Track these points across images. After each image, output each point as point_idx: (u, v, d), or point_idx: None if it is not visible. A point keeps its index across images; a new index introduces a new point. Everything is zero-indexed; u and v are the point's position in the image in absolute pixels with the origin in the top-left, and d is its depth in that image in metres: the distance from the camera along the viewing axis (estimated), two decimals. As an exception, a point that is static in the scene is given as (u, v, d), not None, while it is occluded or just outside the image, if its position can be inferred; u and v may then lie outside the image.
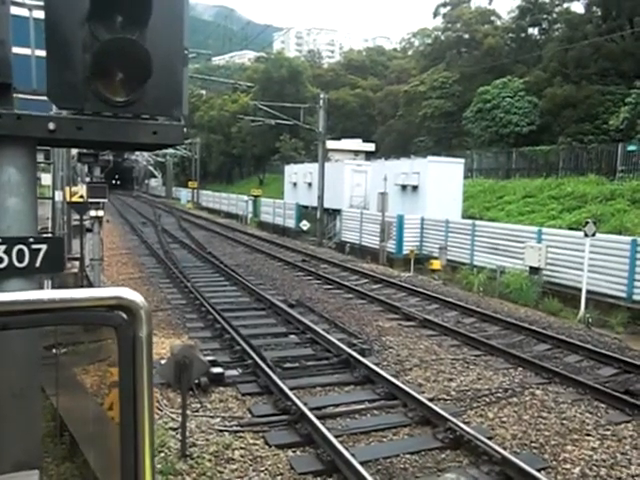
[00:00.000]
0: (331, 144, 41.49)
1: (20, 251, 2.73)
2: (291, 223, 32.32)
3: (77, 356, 8.39)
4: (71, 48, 2.63)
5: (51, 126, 2.67)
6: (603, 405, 7.86)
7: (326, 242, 28.09)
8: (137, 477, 1.39)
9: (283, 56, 68.28)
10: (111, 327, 1.39)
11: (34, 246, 2.76)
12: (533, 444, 6.68)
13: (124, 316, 1.38)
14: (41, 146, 3.14)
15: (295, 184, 36.94)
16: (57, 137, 2.74)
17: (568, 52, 34.74)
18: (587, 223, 13.83)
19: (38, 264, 2.77)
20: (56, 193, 12.78)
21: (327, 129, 30.82)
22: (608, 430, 7.08)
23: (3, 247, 2.68)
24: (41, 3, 3.42)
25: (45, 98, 3.46)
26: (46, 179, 14.10)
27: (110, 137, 2.84)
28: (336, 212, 28.60)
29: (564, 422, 7.29)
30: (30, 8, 3.70)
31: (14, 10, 3.25)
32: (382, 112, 56.23)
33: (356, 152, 46.41)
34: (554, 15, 42.19)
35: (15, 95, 2.93)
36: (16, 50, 3.01)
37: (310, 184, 33.53)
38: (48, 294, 1.36)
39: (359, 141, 48.20)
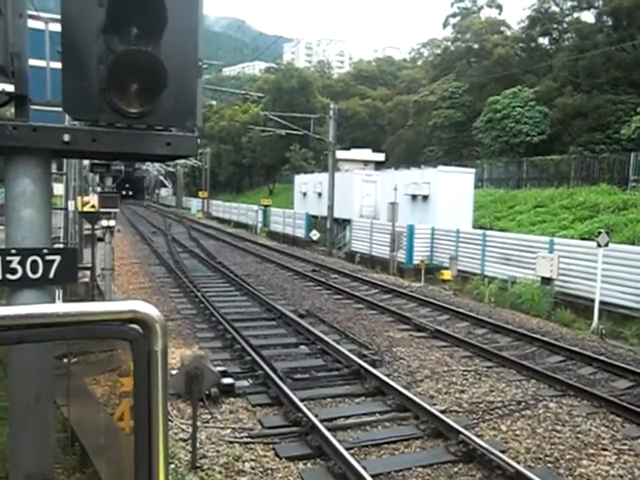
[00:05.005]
0: (341, 154, 41.55)
1: (34, 262, 2.72)
2: (301, 233, 32.32)
3: (87, 366, 8.41)
4: (86, 60, 2.63)
5: (66, 138, 2.67)
6: (619, 419, 7.73)
7: (336, 252, 28.04)
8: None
9: (293, 67, 68.59)
10: (126, 341, 1.38)
11: (48, 257, 2.76)
12: (548, 458, 6.57)
13: (139, 330, 1.36)
14: (55, 157, 3.15)
15: (305, 194, 36.99)
16: (72, 148, 2.74)
17: (579, 62, 34.65)
18: (600, 233, 13.70)
19: (52, 275, 2.77)
20: (68, 203, 12.88)
21: (337, 139, 30.86)
22: (625, 445, 6.95)
23: (17, 258, 2.68)
24: (57, 16, 3.45)
25: (57, 109, 3.48)
26: (58, 189, 14.21)
27: (124, 148, 2.84)
28: (346, 222, 28.55)
29: (579, 436, 7.17)
30: (46, 21, 3.74)
31: (30, 23, 3.28)
32: (392, 122, 56.31)
33: (366, 162, 46.44)
34: (564, 25, 42.12)
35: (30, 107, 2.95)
36: (31, 62, 3.03)
37: (320, 194, 33.54)
38: (63, 307, 1.34)
39: (369, 151, 48.25)
